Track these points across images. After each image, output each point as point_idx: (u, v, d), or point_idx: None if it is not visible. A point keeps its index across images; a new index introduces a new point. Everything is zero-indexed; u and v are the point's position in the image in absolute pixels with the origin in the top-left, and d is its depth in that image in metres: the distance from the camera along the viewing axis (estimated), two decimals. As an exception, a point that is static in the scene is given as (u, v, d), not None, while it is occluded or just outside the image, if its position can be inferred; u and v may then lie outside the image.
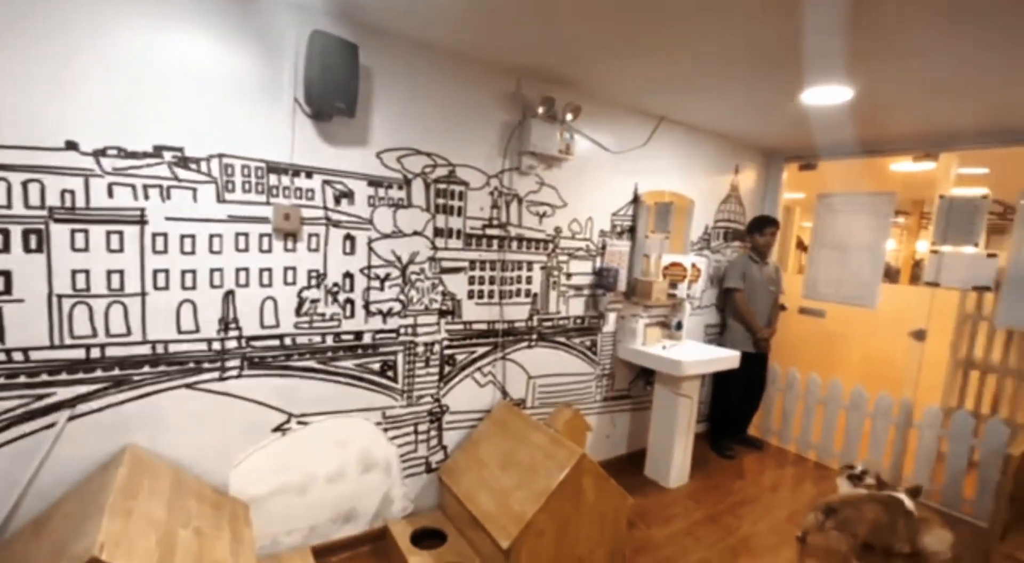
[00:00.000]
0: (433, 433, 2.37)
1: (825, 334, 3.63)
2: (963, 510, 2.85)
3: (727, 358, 2.99)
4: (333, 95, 1.79)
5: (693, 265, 3.14)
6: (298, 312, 1.95)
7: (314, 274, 1.97)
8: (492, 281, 2.44)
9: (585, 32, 1.87)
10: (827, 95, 2.33)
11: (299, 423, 2.01)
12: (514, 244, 2.49)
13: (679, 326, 3.22)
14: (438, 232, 2.24)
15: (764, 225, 3.38)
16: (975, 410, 3.09)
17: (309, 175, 1.91)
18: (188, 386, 1.77)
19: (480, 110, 2.29)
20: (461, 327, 2.37)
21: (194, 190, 1.70)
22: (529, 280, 2.58)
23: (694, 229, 3.36)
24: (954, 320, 3.22)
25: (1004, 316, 2.78)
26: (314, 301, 1.98)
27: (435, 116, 2.17)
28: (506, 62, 2.25)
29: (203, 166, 1.71)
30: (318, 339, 2.01)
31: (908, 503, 2.35)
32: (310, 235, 1.94)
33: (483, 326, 2.44)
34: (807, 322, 3.67)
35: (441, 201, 2.23)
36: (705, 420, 3.67)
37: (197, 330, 1.76)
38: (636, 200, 2.96)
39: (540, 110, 2.32)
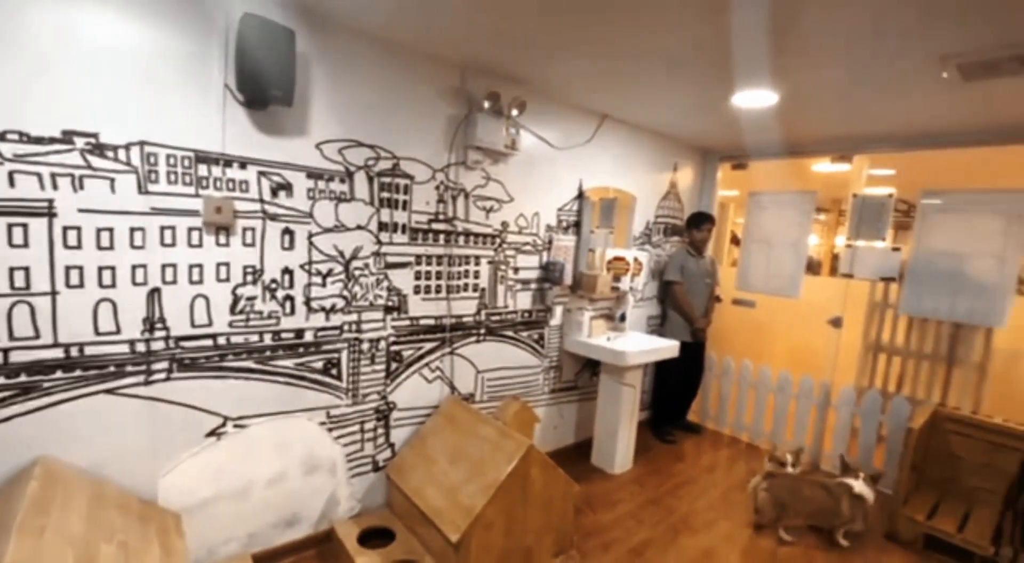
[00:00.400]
0: (380, 431, 2.33)
1: (756, 323, 3.88)
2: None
3: (668, 348, 3.14)
4: (268, 82, 1.71)
5: (635, 259, 3.26)
6: (233, 310, 1.86)
7: (250, 270, 1.88)
8: (439, 276, 2.42)
9: (526, 28, 1.89)
10: (755, 99, 2.48)
11: (236, 426, 1.92)
12: (461, 239, 2.48)
13: (623, 318, 3.33)
14: (383, 226, 2.20)
15: (701, 222, 3.55)
16: (883, 389, 3.40)
17: (243, 166, 1.81)
18: (109, 391, 1.64)
19: (425, 103, 2.26)
20: (408, 323, 2.34)
21: (112, 180, 1.58)
22: (477, 275, 2.58)
23: (636, 224, 3.48)
24: (865, 308, 3.53)
25: (906, 304, 3.08)
26: (250, 298, 1.89)
27: (379, 108, 2.12)
28: (450, 55, 2.23)
29: (121, 154, 1.58)
30: (255, 338, 1.92)
31: (858, 487, 2.48)
32: (245, 229, 1.85)
33: (430, 321, 2.42)
34: (740, 312, 3.90)
35: (385, 195, 2.19)
36: (647, 408, 3.83)
37: (118, 331, 1.64)
38: (581, 196, 3.03)
39: (486, 105, 2.32)
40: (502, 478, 1.94)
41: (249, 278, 1.88)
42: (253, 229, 1.87)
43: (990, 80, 1.95)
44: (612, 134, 3.16)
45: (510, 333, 2.80)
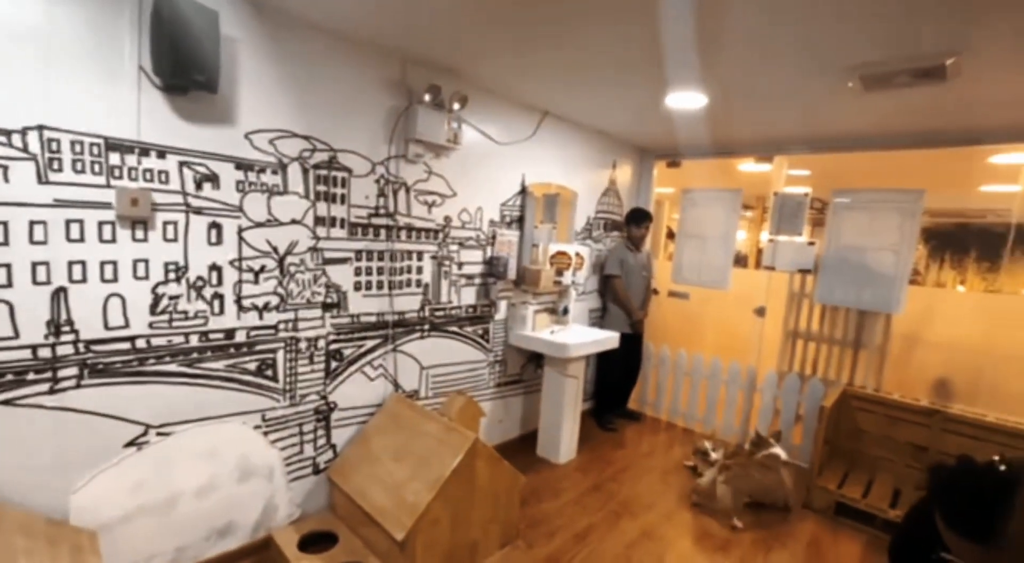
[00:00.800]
0: (321, 432, 2.25)
1: (690, 314, 4.09)
2: (793, 456, 3.40)
3: (608, 339, 3.25)
4: (188, 66, 1.60)
5: (577, 254, 3.34)
6: (154, 310, 1.73)
7: (172, 267, 1.75)
8: (380, 272, 2.37)
9: (463, 22, 1.88)
10: (687, 101, 2.61)
11: (159, 435, 1.79)
12: (403, 234, 2.44)
13: (565, 311, 3.41)
14: (319, 221, 2.12)
15: (641, 219, 3.69)
16: (801, 372, 3.69)
17: (162, 155, 1.69)
18: (6, 403, 1.48)
19: (363, 94, 2.20)
20: (348, 320, 2.28)
21: (4, 168, 1.42)
22: (420, 270, 2.55)
23: (577, 220, 3.56)
24: (785, 298, 3.81)
25: (820, 294, 3.36)
26: (174, 297, 1.77)
27: (314, 97, 2.04)
28: (390, 46, 2.18)
29: (16, 140, 1.43)
30: (180, 340, 1.80)
31: (783, 454, 2.71)
32: (166, 223, 1.72)
33: (372, 318, 2.37)
34: (675, 304, 4.10)
35: (322, 188, 2.11)
36: (590, 398, 3.95)
37: (15, 335, 1.48)
38: (524, 191, 3.06)
39: (426, 97, 2.29)
40: (447, 473, 1.94)
41: (172, 276, 1.75)
42: (175, 223, 1.74)
43: (887, 91, 2.16)
44: (554, 131, 3.21)
45: (455, 329, 2.79)
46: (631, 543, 2.38)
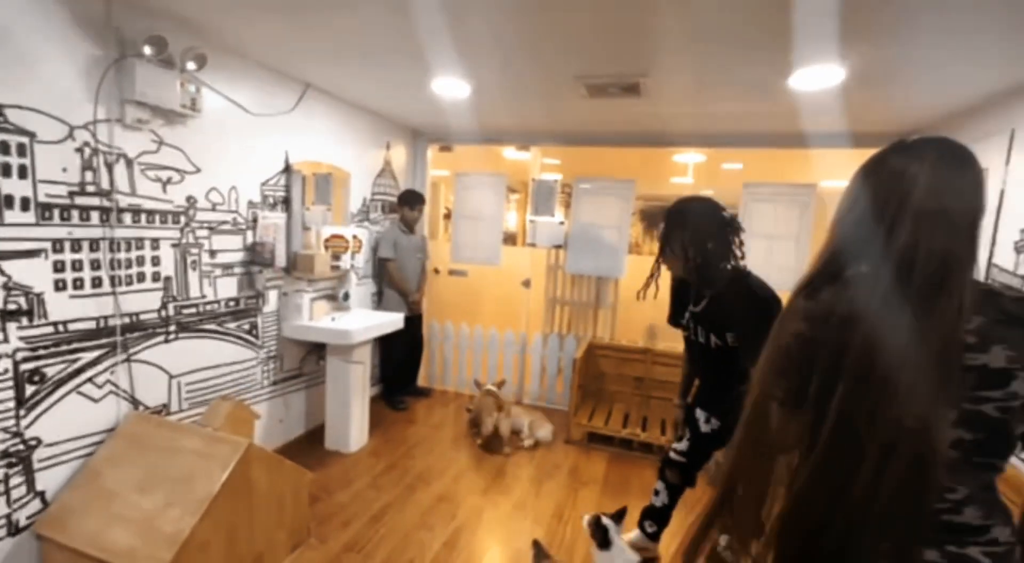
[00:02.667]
0: (16, 480, 1.72)
1: (469, 290, 4.40)
2: (557, 402, 4.04)
3: (392, 320, 3.26)
4: None
5: (354, 237, 3.24)
6: None
7: None
8: (96, 265, 1.89)
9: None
10: (452, 88, 2.75)
11: None
12: (128, 217, 1.98)
13: (346, 297, 3.29)
14: (-16, 201, 1.57)
15: (414, 202, 3.71)
16: (560, 332, 4.37)
17: None
18: None
19: (41, 30, 1.68)
20: (49, 330, 1.76)
21: None
22: (156, 261, 2.12)
23: (353, 201, 3.44)
24: (545, 270, 4.42)
25: (569, 265, 4.00)
26: None
27: (-48, 27, 1.47)
28: (83, -25, 1.71)
29: None
30: None
31: (495, 389, 3.32)
32: None
33: (89, 324, 1.88)
34: (455, 282, 4.35)
35: (-16, 156, 1.56)
36: (378, 382, 3.92)
37: None
38: (288, 169, 2.80)
39: (147, 50, 1.88)
40: (216, 489, 1.71)
41: None
42: None
43: (605, 98, 2.67)
44: (322, 107, 3.01)
45: (212, 326, 2.42)
46: (427, 510, 2.50)
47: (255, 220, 2.60)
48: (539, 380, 4.08)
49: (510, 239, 7.01)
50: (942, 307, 0.73)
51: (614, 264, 3.85)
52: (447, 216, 5.77)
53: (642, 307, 4.20)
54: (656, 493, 2.14)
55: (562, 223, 3.96)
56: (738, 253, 1.72)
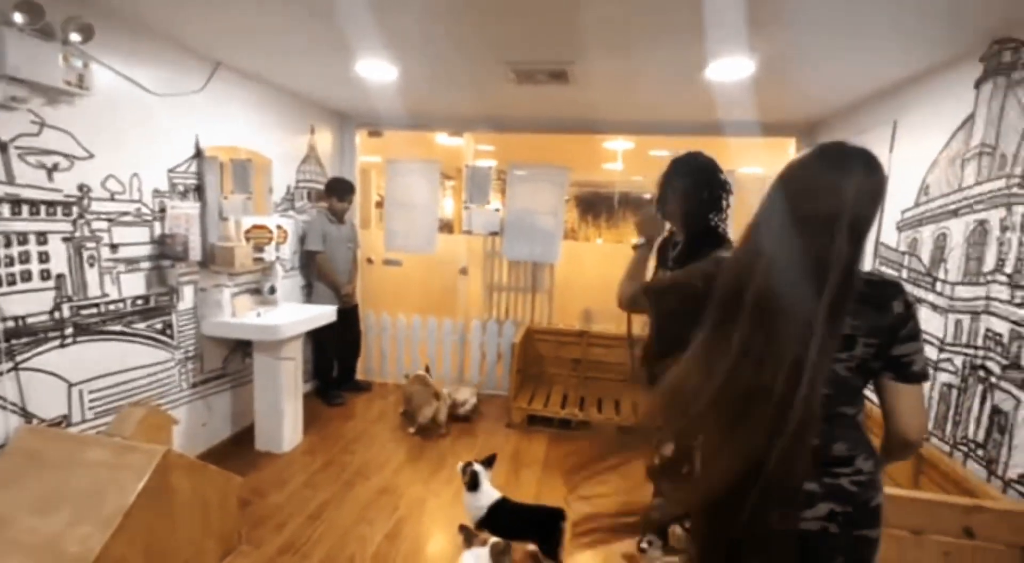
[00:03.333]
0: None
1: (405, 279, 4.31)
2: (497, 388, 4.08)
3: (324, 313, 3.14)
4: None
5: (279, 227, 3.07)
6: None
7: None
8: (-32, 263, 1.66)
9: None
10: (378, 71, 2.64)
11: None
12: (4, 209, 1.76)
13: (272, 290, 3.12)
14: None
15: (342, 192, 3.54)
16: (498, 318, 4.40)
17: None
18: None
19: None
20: (-88, 339, 1.54)
21: None
22: (45, 257, 1.90)
23: (277, 189, 3.25)
24: (482, 257, 4.42)
25: (506, 251, 4.03)
26: None
27: None
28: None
29: None
30: None
31: (424, 374, 3.36)
32: None
33: (-36, 331, 1.66)
34: (391, 272, 4.24)
35: None
36: (311, 378, 3.77)
37: None
38: (200, 155, 2.59)
39: (18, 18, 1.66)
40: (129, 501, 1.59)
41: None
42: None
43: (534, 85, 2.68)
44: (237, 88, 2.80)
45: (118, 327, 2.22)
46: (367, 504, 2.46)
47: (163, 210, 2.39)
48: (479, 367, 4.10)
49: (447, 227, 6.93)
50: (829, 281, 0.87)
51: (550, 250, 3.92)
52: (379, 204, 5.60)
53: (577, 290, 4.35)
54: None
55: (498, 210, 3.97)
56: (724, 214, 1.77)
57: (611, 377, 3.77)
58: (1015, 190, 1.77)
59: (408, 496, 2.55)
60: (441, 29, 2.06)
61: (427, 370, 3.47)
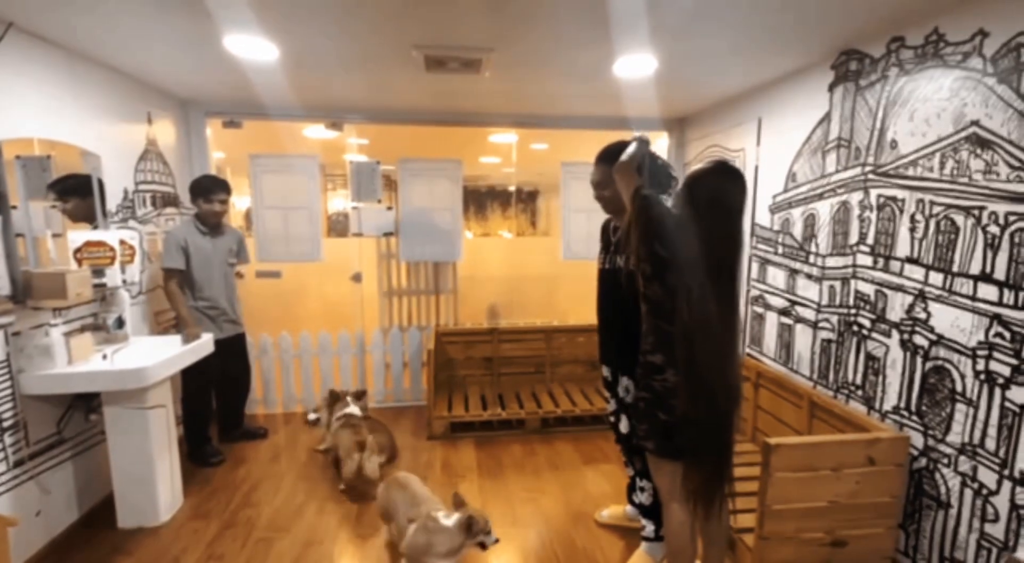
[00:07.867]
0: None
1: (286, 292, 3.77)
2: (407, 398, 3.82)
3: (201, 345, 2.56)
4: None
5: (122, 242, 2.40)
6: None
7: None
8: None
9: None
10: (253, 48, 2.20)
11: None
12: None
13: (121, 323, 2.45)
14: None
15: (212, 190, 2.84)
16: (401, 325, 4.11)
17: None
18: None
19: None
20: None
21: None
22: None
23: (111, 194, 2.55)
24: (376, 261, 4.07)
25: (403, 253, 3.75)
26: None
27: None
28: None
29: None
30: None
31: (355, 410, 2.82)
32: None
33: None
34: (267, 285, 3.66)
35: None
36: (179, 422, 3.07)
37: None
38: (-8, 151, 1.89)
39: None
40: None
41: None
42: None
43: (443, 74, 2.48)
44: (42, 59, 2.09)
45: None
46: (296, 560, 2.09)
47: (-56, 230, 1.69)
48: (383, 379, 3.78)
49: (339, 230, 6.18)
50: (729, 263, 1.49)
51: (451, 248, 3.75)
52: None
53: (482, 287, 4.25)
54: (642, 490, 2.06)
55: (390, 209, 3.66)
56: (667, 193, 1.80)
57: (524, 371, 3.78)
58: (870, 176, 2.14)
59: (342, 540, 2.23)
60: (349, 10, 1.77)
61: (361, 398, 2.94)
